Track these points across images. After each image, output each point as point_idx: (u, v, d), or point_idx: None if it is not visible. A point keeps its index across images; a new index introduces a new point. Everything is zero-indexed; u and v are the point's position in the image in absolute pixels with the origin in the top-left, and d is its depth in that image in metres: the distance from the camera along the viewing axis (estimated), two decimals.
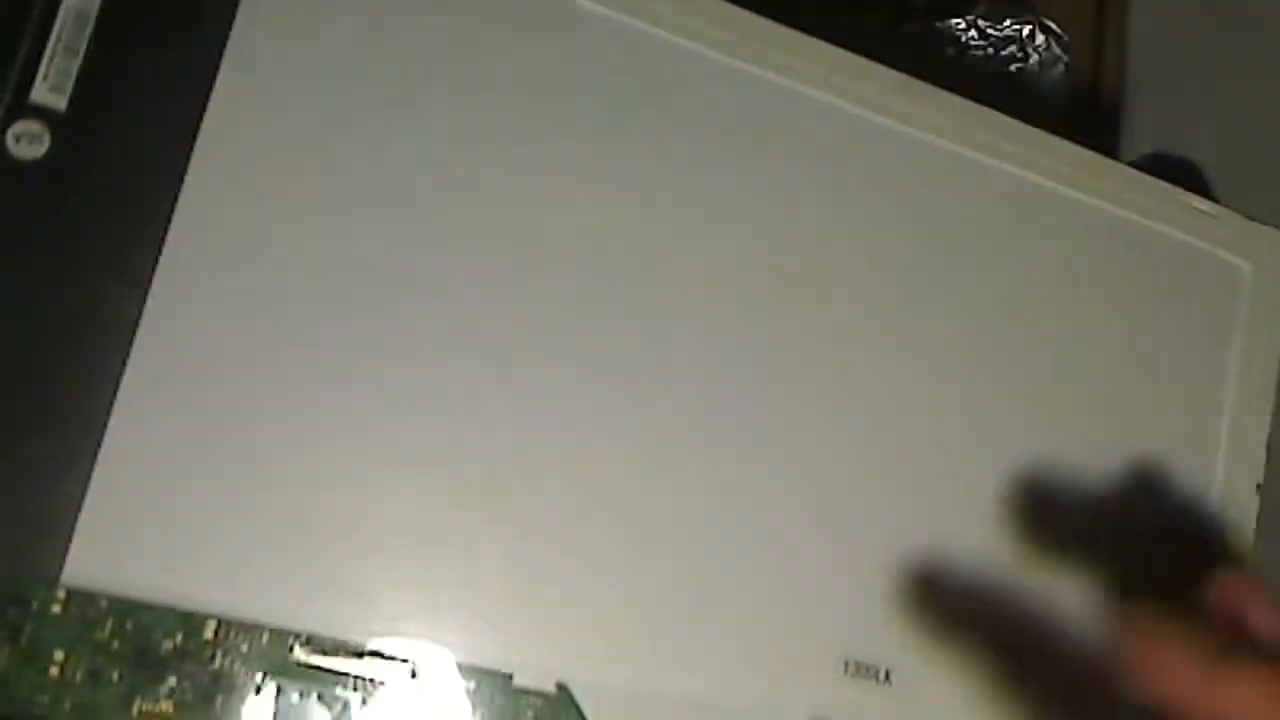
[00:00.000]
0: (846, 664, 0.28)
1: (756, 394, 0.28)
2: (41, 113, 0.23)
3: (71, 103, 0.23)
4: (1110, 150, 0.30)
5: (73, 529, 0.23)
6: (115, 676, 0.23)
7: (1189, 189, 0.35)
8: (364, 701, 0.24)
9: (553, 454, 0.26)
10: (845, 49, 0.29)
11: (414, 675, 0.24)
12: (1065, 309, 0.31)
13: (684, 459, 0.27)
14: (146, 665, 0.23)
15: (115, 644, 0.23)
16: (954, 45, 0.46)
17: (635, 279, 0.27)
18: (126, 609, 0.23)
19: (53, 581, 0.22)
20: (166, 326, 0.23)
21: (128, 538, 0.23)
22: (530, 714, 0.25)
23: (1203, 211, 0.33)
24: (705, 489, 0.27)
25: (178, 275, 0.24)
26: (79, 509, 0.23)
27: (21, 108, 0.23)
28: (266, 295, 0.24)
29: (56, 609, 0.22)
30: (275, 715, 0.23)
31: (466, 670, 0.25)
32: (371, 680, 0.24)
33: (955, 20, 0.43)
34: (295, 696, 0.24)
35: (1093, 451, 0.31)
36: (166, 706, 0.23)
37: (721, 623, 0.27)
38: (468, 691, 0.25)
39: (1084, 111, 0.41)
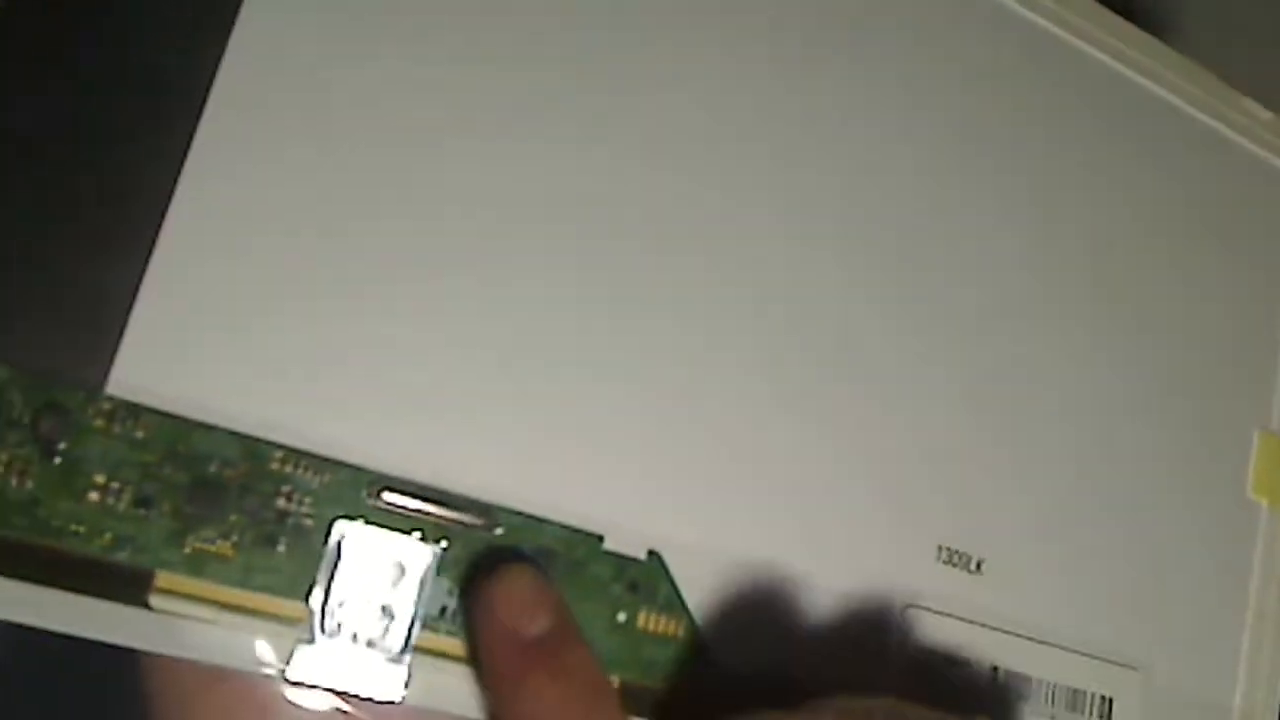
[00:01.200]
0: (940, 550, 0.26)
1: (866, 275, 0.26)
2: None
3: None
4: None
5: (123, 327, 0.19)
6: (166, 507, 0.19)
7: None
8: (443, 554, 0.21)
9: (658, 312, 0.23)
10: None
11: (498, 529, 0.21)
12: (1126, 207, 0.30)
13: (797, 336, 0.25)
14: (203, 496, 0.19)
15: (167, 469, 0.19)
16: None
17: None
18: (181, 429, 0.19)
19: (96, 389, 0.19)
20: (243, 89, 0.20)
21: (188, 343, 0.19)
22: (618, 580, 0.22)
23: (1263, 119, 0.33)
24: (814, 368, 0.25)
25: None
26: (132, 302, 0.19)
27: None
28: (364, 81, 0.21)
29: (99, 423, 0.19)
30: (345, 564, 0.20)
31: (554, 529, 0.22)
32: (453, 531, 0.21)
33: None
34: (370, 544, 0.20)
35: (1150, 367, 0.30)
36: (225, 547, 0.19)
37: (821, 500, 0.25)
38: (554, 552, 0.22)
39: None
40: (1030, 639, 0.26)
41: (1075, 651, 0.27)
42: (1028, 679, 0.26)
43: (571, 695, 0.20)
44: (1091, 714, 0.27)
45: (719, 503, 0.24)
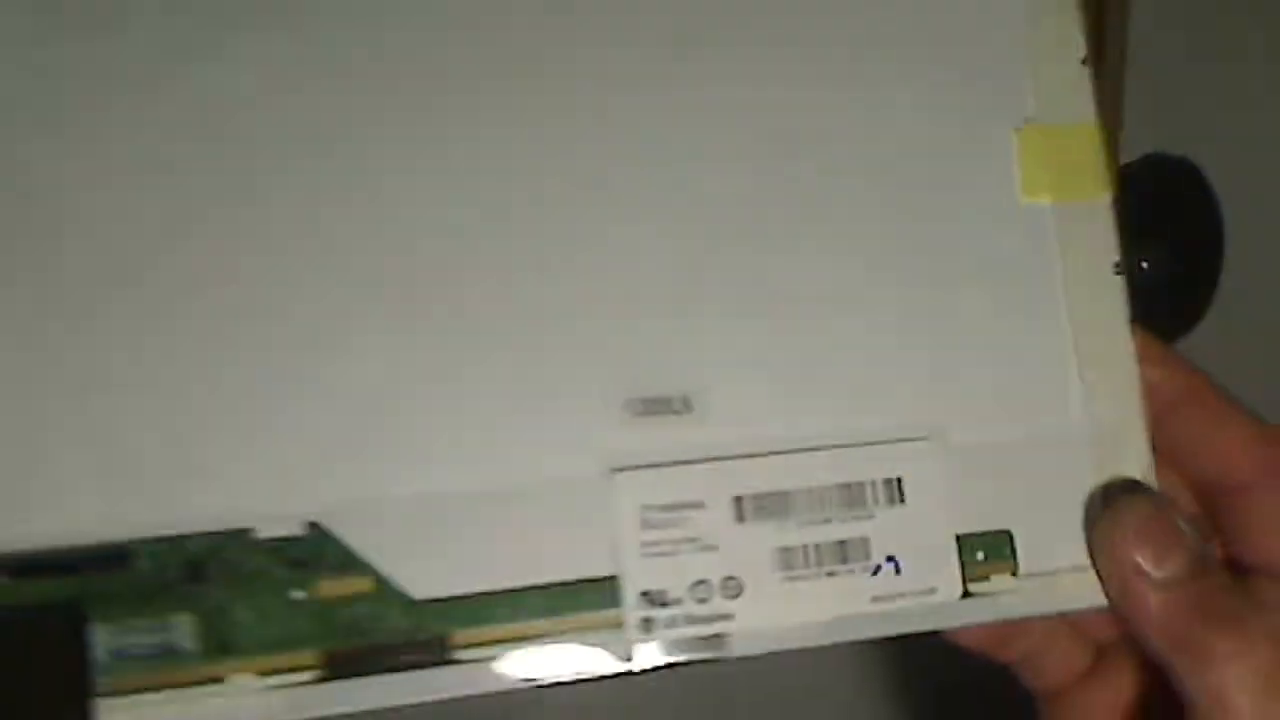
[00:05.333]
0: (629, 404, 0.24)
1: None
2: None
3: None
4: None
5: None
6: None
7: (1189, 190, 0.36)
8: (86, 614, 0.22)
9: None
10: None
11: (139, 563, 0.22)
12: None
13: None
14: None
15: None
16: None
17: None
18: None
19: None
20: None
21: None
22: (280, 563, 0.23)
23: None
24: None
25: None
26: None
27: None
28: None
29: None
30: None
31: (196, 540, 0.23)
32: (92, 585, 0.22)
33: None
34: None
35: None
36: None
37: (463, 398, 0.24)
38: (203, 557, 0.23)
39: None
40: (772, 453, 0.25)
41: (838, 446, 0.25)
42: (783, 495, 0.24)
43: None
44: (878, 501, 0.25)
45: (361, 446, 0.23)
